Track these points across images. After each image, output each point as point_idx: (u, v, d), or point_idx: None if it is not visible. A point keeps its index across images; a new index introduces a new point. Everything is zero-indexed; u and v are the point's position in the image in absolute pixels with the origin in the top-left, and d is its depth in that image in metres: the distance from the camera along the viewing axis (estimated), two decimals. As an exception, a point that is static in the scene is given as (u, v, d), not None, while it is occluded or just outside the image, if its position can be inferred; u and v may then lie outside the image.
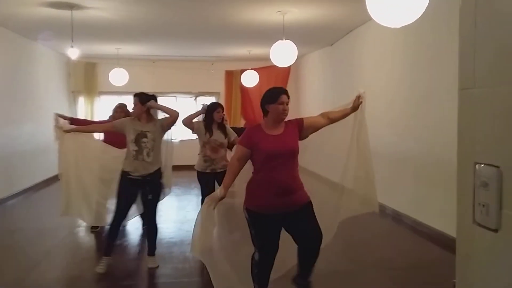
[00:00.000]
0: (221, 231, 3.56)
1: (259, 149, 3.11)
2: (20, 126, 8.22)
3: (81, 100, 11.34)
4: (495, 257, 1.11)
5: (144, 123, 4.25)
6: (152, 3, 6.07)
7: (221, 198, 3.08)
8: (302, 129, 3.24)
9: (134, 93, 4.37)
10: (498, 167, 1.08)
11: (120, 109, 5.59)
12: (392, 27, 3.98)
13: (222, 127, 5.14)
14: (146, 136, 4.19)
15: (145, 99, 4.26)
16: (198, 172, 5.10)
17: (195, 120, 5.20)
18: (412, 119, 5.93)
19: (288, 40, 6.56)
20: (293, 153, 3.15)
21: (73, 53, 7.18)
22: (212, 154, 4.99)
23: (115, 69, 9.75)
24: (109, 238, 4.34)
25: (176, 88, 11.80)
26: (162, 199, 4.68)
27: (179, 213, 7.08)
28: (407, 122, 6.05)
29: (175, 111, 4.35)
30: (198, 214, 3.16)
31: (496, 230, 1.09)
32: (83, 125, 5.18)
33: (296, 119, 3.30)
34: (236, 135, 5.16)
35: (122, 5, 6.11)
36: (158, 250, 5.04)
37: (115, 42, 9.07)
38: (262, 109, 3.19)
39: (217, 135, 5.05)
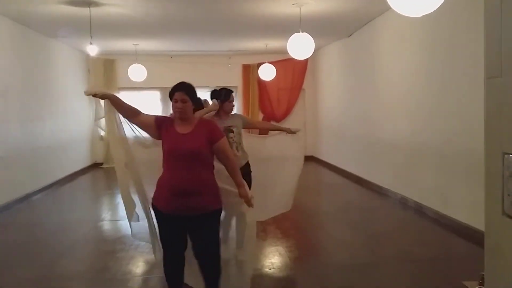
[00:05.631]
0: None
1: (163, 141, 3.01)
2: (42, 123, 8.37)
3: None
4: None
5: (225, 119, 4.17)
6: (169, -2, 6.09)
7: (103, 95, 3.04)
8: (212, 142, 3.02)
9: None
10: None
11: None
12: (411, 16, 3.90)
13: None
14: (232, 131, 4.10)
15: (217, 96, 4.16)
16: None
17: None
18: (431, 109, 5.84)
19: (305, 33, 6.51)
20: (195, 154, 2.92)
21: (92, 50, 7.28)
22: None
23: (134, 65, 9.85)
24: None
25: (194, 83, 11.37)
26: None
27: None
28: (427, 112, 5.96)
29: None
30: None
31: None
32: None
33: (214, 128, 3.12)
34: None
35: (139, 2, 6.14)
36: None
37: (133, 38, 9.14)
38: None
39: None
